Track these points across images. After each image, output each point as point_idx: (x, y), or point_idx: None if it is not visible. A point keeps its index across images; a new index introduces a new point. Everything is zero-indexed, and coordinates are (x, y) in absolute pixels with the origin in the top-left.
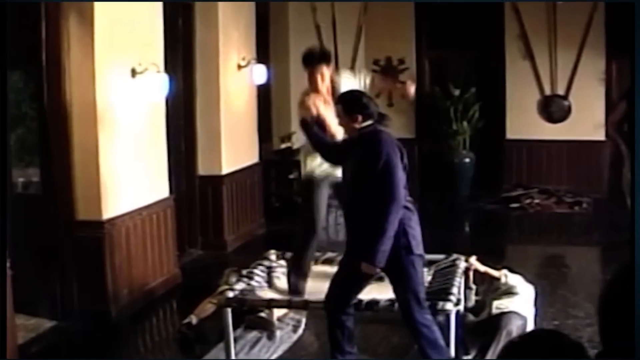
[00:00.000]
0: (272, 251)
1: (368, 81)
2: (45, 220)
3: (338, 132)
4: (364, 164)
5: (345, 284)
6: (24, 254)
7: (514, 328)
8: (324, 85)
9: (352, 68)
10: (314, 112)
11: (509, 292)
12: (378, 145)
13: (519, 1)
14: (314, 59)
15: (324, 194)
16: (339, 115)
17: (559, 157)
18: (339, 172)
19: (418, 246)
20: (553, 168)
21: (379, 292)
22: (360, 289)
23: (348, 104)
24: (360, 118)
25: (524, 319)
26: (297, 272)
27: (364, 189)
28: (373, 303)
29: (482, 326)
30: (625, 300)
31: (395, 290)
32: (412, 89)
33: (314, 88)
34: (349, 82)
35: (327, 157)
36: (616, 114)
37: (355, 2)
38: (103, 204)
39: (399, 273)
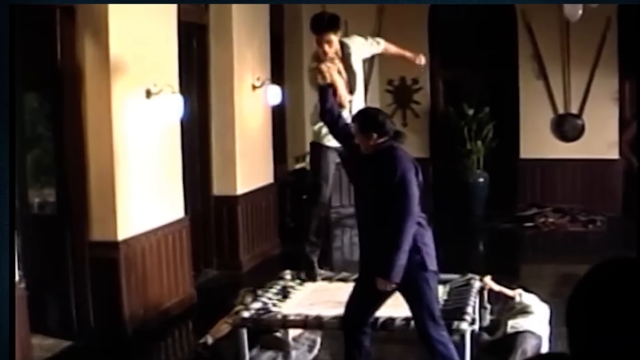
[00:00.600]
0: (288, 271)
1: (380, 47)
2: (61, 241)
3: (347, 100)
4: (380, 180)
5: (362, 303)
6: (40, 274)
7: (528, 347)
8: (332, 50)
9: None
10: (328, 79)
11: (524, 311)
12: (394, 161)
13: (528, 3)
14: (322, 25)
15: (331, 162)
16: (355, 133)
17: (572, 175)
18: None
19: (432, 262)
20: (567, 187)
21: (395, 310)
22: (377, 307)
23: (364, 122)
24: (375, 136)
25: (539, 338)
26: (310, 247)
27: (379, 204)
28: (388, 322)
29: (497, 345)
30: (592, 303)
31: (410, 308)
32: (422, 58)
33: (323, 54)
34: (361, 47)
35: (334, 134)
36: (629, 132)
37: (369, 22)
38: (119, 225)
39: (414, 290)
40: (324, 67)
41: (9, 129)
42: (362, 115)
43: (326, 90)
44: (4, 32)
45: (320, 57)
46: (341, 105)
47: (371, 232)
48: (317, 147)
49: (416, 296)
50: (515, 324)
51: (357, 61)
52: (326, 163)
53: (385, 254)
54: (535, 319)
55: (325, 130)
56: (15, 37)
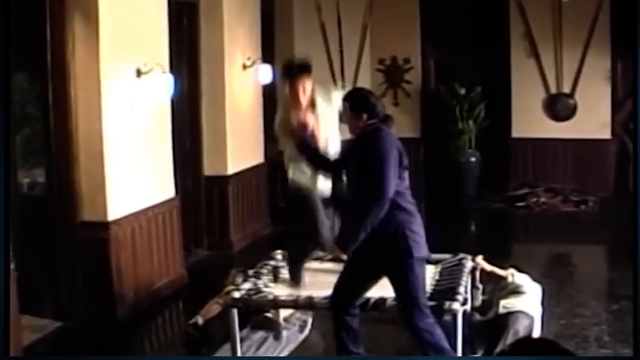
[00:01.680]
0: (279, 251)
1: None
2: (51, 221)
3: (328, 140)
4: (361, 160)
5: (349, 284)
6: (29, 255)
7: (520, 327)
8: (305, 97)
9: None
10: (309, 129)
11: (516, 291)
12: (375, 142)
13: None
14: (294, 71)
15: (318, 202)
16: (344, 113)
17: (564, 155)
18: (326, 187)
19: (419, 250)
20: (559, 167)
21: (387, 290)
22: (364, 289)
23: (355, 102)
24: (365, 117)
25: (531, 318)
26: (295, 272)
27: (358, 184)
28: (380, 302)
29: (489, 325)
30: None
31: (395, 295)
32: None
33: (295, 100)
34: (322, 105)
35: (327, 172)
36: (622, 112)
37: (361, 2)
38: (108, 205)
39: (399, 277)
40: (295, 117)
41: (3, 112)
42: (354, 95)
43: (307, 148)
44: None
45: (293, 107)
46: (319, 145)
47: (351, 211)
48: (301, 194)
49: (401, 284)
50: (507, 304)
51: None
52: (316, 205)
53: (351, 227)
54: (528, 299)
55: (302, 173)
56: (9, 20)
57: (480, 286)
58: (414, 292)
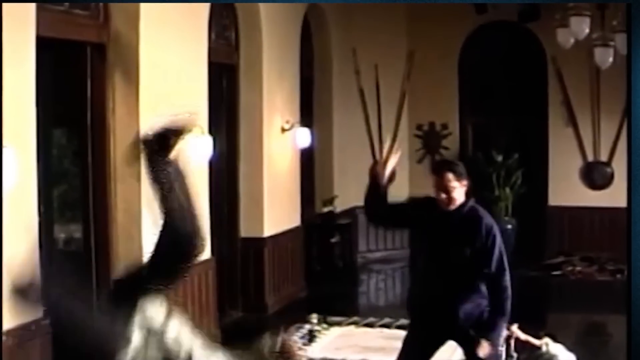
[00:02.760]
0: (314, 315)
1: None
2: (86, 278)
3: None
4: (470, 239)
5: (422, 353)
6: (64, 311)
7: None
8: None
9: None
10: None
11: None
12: (489, 225)
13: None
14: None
15: None
16: (447, 182)
17: (601, 224)
18: None
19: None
20: (595, 235)
21: None
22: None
23: (463, 171)
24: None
25: None
26: None
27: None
28: None
29: None
30: None
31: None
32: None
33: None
34: None
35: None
36: None
37: (399, 66)
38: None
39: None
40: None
41: None
42: (460, 165)
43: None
44: None
45: None
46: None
47: (451, 288)
48: None
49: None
50: None
51: None
52: None
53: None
54: None
55: None
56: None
57: (514, 355)
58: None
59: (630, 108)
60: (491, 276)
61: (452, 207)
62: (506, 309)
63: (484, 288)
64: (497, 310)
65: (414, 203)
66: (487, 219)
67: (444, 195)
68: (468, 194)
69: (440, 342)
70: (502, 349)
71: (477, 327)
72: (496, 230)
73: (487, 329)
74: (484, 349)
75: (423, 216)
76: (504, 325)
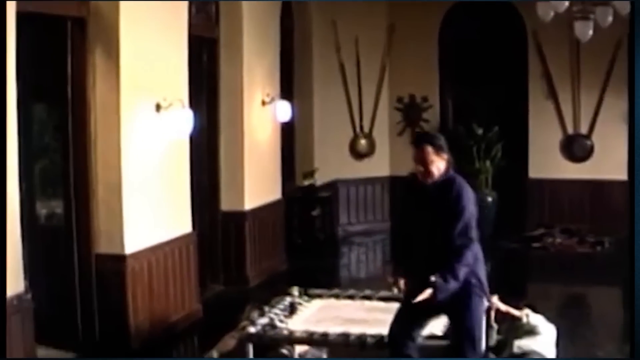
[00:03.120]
0: (295, 287)
1: None
2: (68, 253)
3: None
4: (447, 206)
5: (412, 319)
6: (46, 286)
7: None
8: None
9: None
10: None
11: (531, 331)
12: (461, 188)
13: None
14: None
15: None
16: (425, 156)
17: (581, 196)
18: None
19: (481, 290)
20: (575, 207)
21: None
22: (424, 324)
23: (441, 144)
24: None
25: (545, 358)
26: None
27: (443, 230)
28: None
29: None
30: None
31: (453, 331)
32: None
33: None
34: None
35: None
36: None
37: (380, 39)
38: (125, 238)
39: (459, 315)
40: None
41: None
42: (438, 137)
43: None
44: None
45: None
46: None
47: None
48: None
49: (461, 320)
50: (521, 344)
51: None
52: None
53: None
54: (542, 340)
55: None
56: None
57: (495, 326)
58: (471, 329)
59: (633, 105)
60: (454, 240)
61: (431, 180)
62: (459, 276)
63: (470, 256)
64: (452, 273)
65: (404, 194)
66: (461, 184)
67: (422, 168)
68: (448, 169)
69: (430, 314)
70: (483, 320)
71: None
72: (468, 198)
73: (440, 276)
74: (423, 294)
75: (408, 196)
76: (454, 287)
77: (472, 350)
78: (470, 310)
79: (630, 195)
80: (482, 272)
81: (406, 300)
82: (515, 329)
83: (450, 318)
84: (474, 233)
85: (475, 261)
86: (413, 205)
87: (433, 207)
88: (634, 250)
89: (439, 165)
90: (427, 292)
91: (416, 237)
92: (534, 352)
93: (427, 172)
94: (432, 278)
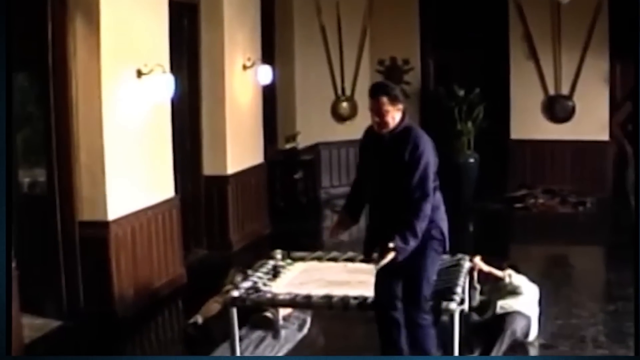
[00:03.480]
0: (278, 251)
1: None
2: (51, 221)
3: None
4: (402, 159)
5: (392, 280)
6: (30, 254)
7: (518, 328)
8: None
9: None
10: None
11: (513, 292)
12: (418, 140)
13: None
14: None
15: None
16: (380, 106)
17: (563, 157)
18: None
19: (439, 244)
20: (557, 168)
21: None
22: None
23: (396, 93)
24: (402, 109)
25: (528, 318)
26: None
27: (398, 184)
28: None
29: (486, 326)
30: None
31: (403, 284)
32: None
33: None
34: None
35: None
36: (620, 114)
37: (361, 4)
38: (108, 204)
39: (410, 264)
40: None
41: (5, 112)
42: (392, 87)
43: None
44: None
45: None
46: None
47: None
48: None
49: (410, 270)
50: (504, 304)
51: None
52: None
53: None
54: (525, 300)
55: None
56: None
57: (478, 286)
58: (418, 281)
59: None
60: (411, 192)
61: (386, 130)
62: (418, 233)
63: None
64: (411, 231)
65: (359, 145)
66: (417, 134)
67: (377, 119)
68: (404, 119)
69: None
70: (466, 282)
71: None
72: (425, 148)
73: (399, 238)
74: (385, 259)
75: (365, 149)
76: (414, 246)
77: (427, 284)
78: (425, 257)
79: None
80: (442, 221)
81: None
82: (498, 289)
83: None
84: (431, 184)
85: (435, 210)
86: (369, 156)
87: (388, 157)
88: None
89: (394, 115)
90: (389, 257)
91: (372, 188)
92: (517, 312)
93: (383, 123)
94: (391, 244)
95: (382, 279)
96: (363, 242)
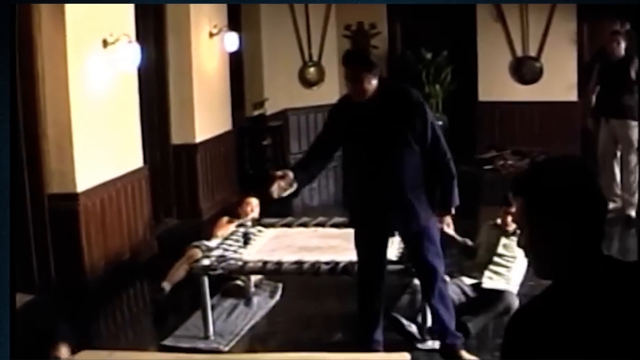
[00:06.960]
0: (248, 217)
1: None
2: (20, 195)
3: None
4: (405, 123)
5: (380, 248)
6: None
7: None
8: None
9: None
10: None
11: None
12: (418, 104)
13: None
14: None
15: None
16: (357, 75)
17: (531, 118)
18: None
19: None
20: (526, 129)
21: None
22: (387, 244)
23: (370, 60)
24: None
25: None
26: None
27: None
28: (350, 266)
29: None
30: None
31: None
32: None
33: None
34: None
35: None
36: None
37: None
38: (77, 176)
39: (415, 239)
40: None
41: (9, 120)
42: (365, 54)
43: None
44: (4, 31)
45: None
46: None
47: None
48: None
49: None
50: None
51: None
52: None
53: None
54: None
55: None
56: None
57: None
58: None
59: None
60: (430, 147)
61: (365, 97)
62: (453, 170)
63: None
64: (447, 176)
65: (330, 114)
66: (414, 92)
67: (354, 86)
68: (380, 80)
69: (387, 233)
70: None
71: (435, 206)
72: (422, 101)
73: (446, 201)
74: (448, 222)
75: (342, 118)
76: (456, 188)
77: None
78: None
79: None
80: None
81: (360, 231)
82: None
83: (406, 243)
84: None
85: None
86: (344, 125)
87: (377, 121)
88: None
89: (371, 81)
90: (448, 220)
91: (356, 157)
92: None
93: (360, 90)
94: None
95: (375, 246)
96: (350, 214)
